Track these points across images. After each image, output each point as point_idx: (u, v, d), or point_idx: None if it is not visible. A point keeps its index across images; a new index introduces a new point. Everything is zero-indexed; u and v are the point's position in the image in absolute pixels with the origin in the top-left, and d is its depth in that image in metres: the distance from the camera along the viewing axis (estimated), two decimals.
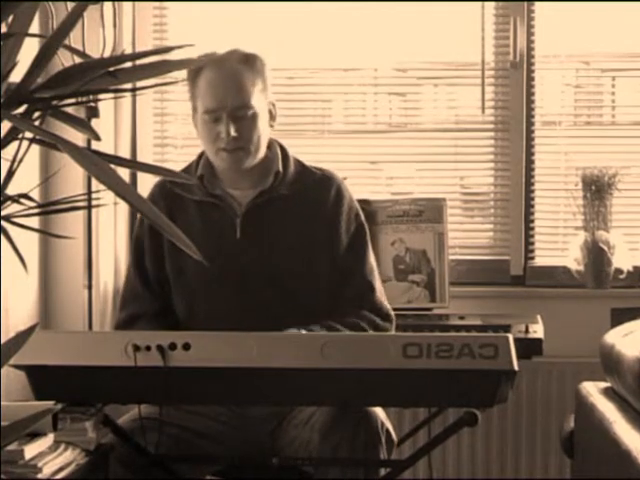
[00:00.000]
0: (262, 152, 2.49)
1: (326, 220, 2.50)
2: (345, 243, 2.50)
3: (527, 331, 2.84)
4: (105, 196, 1.62)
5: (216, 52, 2.46)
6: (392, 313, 2.52)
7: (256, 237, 2.47)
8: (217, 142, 2.45)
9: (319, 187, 2.53)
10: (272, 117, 2.51)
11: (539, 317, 2.99)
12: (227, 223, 2.48)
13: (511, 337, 2.02)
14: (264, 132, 2.48)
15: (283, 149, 2.55)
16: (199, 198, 2.50)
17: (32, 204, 1.51)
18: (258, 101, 2.45)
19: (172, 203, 2.51)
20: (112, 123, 3.30)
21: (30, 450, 2.07)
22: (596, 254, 3.31)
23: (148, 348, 2.04)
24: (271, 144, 2.54)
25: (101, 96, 2.32)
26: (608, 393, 2.64)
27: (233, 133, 2.42)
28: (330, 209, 2.51)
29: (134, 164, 2.67)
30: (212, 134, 2.45)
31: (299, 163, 2.56)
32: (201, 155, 2.55)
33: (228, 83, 2.43)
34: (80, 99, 1.59)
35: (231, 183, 2.52)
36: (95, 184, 2.87)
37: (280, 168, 2.51)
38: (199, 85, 2.45)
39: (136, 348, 2.04)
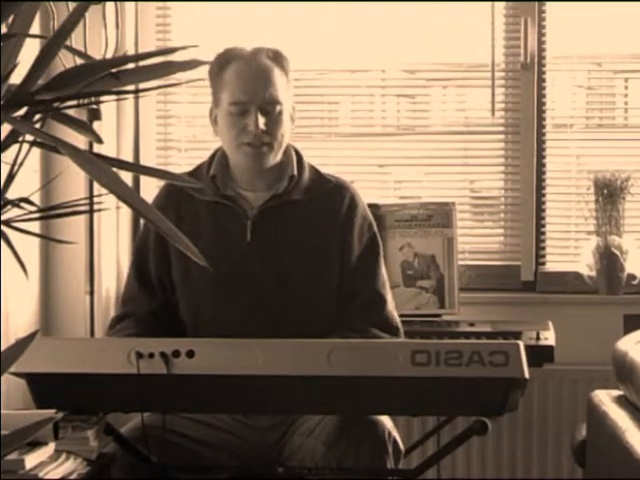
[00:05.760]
0: (282, 153, 2.45)
1: (338, 229, 2.46)
2: (357, 253, 2.47)
3: (538, 338, 2.82)
4: (107, 200, 1.61)
5: (243, 48, 2.43)
6: (401, 326, 2.49)
7: (267, 241, 2.43)
8: (241, 136, 2.40)
9: (333, 195, 2.49)
10: (292, 119, 2.48)
11: (550, 324, 2.97)
12: (238, 225, 2.44)
13: (522, 344, 1.99)
14: (287, 132, 2.45)
15: (298, 154, 2.52)
16: (210, 199, 2.46)
17: (33, 208, 1.50)
18: (285, 99, 2.42)
19: (181, 203, 2.47)
20: (114, 125, 3.27)
21: (31, 460, 2.08)
22: (608, 259, 3.28)
23: (151, 355, 2.01)
24: (287, 148, 2.50)
25: (103, 98, 2.29)
26: (621, 401, 2.63)
27: (262, 126, 2.37)
28: (343, 218, 2.47)
29: (137, 167, 2.66)
30: (237, 127, 2.40)
31: (313, 169, 2.52)
32: (214, 155, 2.51)
33: (260, 76, 2.40)
34: (82, 101, 1.57)
35: (245, 184, 2.47)
36: (97, 188, 2.84)
37: (295, 172, 2.47)
38: (225, 78, 2.41)
39: (139, 355, 2.01)
